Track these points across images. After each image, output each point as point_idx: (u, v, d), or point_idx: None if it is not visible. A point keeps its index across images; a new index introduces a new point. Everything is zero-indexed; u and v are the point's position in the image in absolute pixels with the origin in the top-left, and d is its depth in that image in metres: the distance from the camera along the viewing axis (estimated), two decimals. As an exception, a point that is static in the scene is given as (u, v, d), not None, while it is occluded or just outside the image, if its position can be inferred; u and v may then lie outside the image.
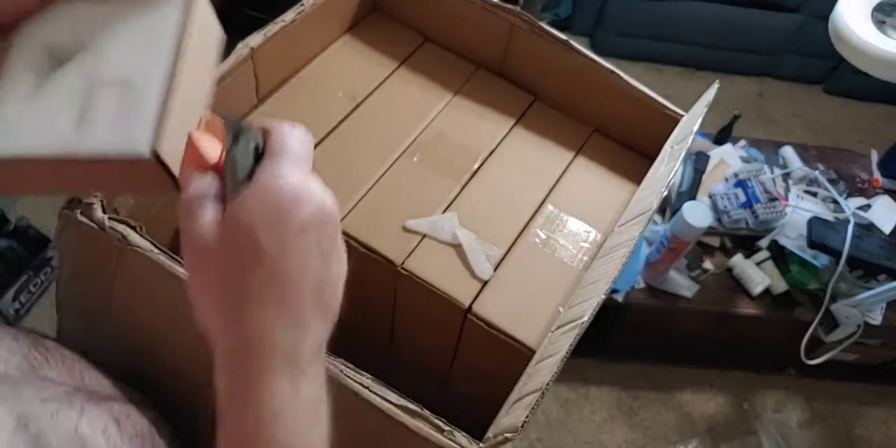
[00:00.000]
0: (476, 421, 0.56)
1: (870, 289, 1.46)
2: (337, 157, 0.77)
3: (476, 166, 0.80)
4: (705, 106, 0.72)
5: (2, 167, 0.34)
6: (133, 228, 0.54)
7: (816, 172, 1.67)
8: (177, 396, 0.53)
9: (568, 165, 0.82)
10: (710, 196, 1.57)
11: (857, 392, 1.80)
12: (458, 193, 0.78)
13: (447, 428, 0.49)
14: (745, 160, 1.65)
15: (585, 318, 0.55)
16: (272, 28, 0.73)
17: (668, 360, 1.79)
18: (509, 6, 0.80)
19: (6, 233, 1.61)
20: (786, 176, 1.66)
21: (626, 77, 0.78)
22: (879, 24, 1.16)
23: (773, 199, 1.51)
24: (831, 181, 1.67)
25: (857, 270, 1.51)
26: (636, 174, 0.81)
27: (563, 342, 0.55)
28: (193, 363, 0.45)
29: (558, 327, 0.61)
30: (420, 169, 0.78)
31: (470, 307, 0.69)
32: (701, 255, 1.57)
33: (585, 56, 0.78)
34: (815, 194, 1.64)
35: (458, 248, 0.73)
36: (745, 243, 1.58)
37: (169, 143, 0.34)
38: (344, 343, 0.47)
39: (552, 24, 1.66)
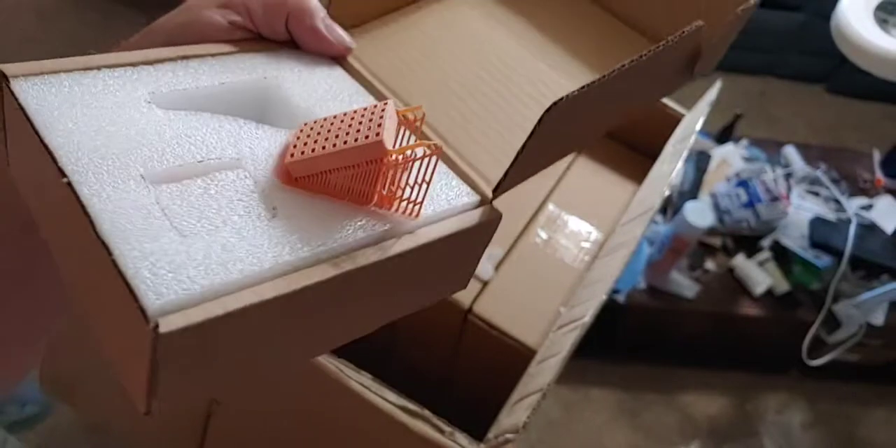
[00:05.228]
0: (477, 421, 0.55)
1: (872, 289, 1.46)
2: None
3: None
4: (707, 105, 0.71)
5: None
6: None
7: (818, 172, 1.67)
8: None
9: (569, 165, 0.81)
10: (712, 195, 1.56)
11: (859, 393, 1.80)
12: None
13: (448, 428, 0.49)
14: (746, 159, 1.65)
15: (587, 319, 0.55)
16: None
17: (670, 361, 1.78)
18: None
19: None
20: (788, 175, 1.66)
21: (627, 76, 0.77)
22: (882, 22, 1.16)
23: (775, 199, 1.50)
24: (833, 181, 1.66)
25: (859, 270, 1.50)
26: (638, 174, 0.80)
27: (565, 343, 0.54)
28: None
29: (559, 328, 0.61)
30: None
31: (470, 307, 0.69)
32: (702, 256, 1.56)
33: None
34: (817, 194, 1.64)
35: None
36: (747, 243, 1.57)
37: None
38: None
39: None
